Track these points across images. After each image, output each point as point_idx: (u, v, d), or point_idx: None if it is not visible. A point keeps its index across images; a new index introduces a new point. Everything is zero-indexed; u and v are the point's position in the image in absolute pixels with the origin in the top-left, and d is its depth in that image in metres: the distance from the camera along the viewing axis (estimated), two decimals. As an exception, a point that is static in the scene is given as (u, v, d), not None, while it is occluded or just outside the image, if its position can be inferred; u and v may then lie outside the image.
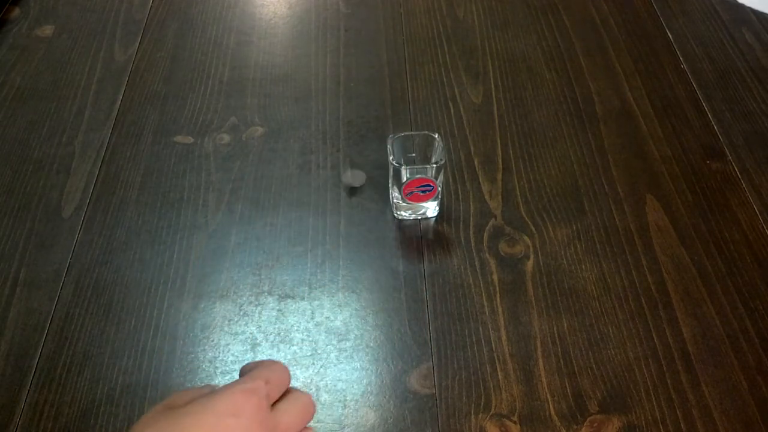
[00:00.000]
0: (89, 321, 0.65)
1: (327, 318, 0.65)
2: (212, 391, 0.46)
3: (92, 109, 0.84)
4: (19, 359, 0.62)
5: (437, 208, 0.73)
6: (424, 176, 0.68)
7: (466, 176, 0.77)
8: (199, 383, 0.60)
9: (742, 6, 1.00)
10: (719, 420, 0.59)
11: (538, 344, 0.63)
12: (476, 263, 0.69)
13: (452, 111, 0.84)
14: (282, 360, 0.62)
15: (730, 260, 0.70)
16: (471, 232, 0.72)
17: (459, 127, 0.82)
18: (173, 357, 0.62)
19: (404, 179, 0.68)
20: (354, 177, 0.75)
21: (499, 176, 0.77)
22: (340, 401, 0.60)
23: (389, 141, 0.69)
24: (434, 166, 0.68)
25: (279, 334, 0.64)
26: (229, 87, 0.87)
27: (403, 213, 0.73)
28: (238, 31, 0.95)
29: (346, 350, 0.63)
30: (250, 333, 0.64)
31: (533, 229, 0.72)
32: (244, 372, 0.47)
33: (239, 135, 0.82)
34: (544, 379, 0.61)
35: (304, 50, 0.93)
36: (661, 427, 0.58)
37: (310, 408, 0.48)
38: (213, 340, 0.64)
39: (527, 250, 0.70)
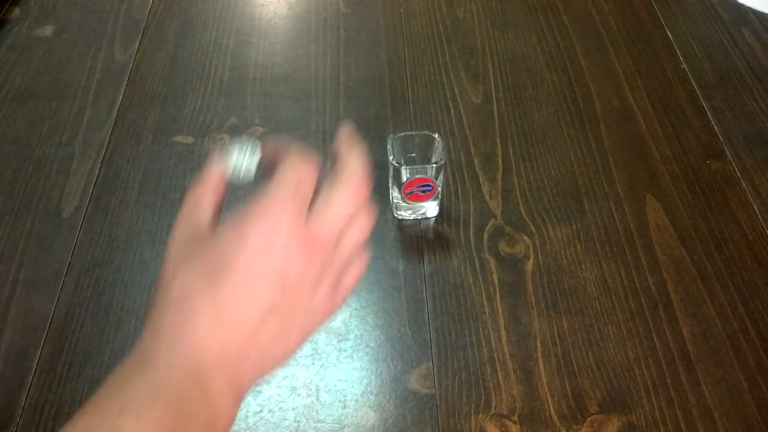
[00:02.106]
0: (89, 321, 0.65)
1: (327, 318, 0.65)
2: (243, 216, 0.43)
3: (92, 109, 0.84)
4: (19, 359, 0.62)
5: (437, 208, 0.73)
6: (424, 176, 0.68)
7: (466, 176, 0.77)
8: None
9: (742, 6, 1.00)
10: (719, 420, 0.59)
11: (538, 344, 0.63)
12: (476, 263, 0.69)
13: (452, 111, 0.84)
14: (282, 360, 0.62)
15: (730, 260, 0.70)
16: (471, 232, 0.72)
17: (459, 127, 0.82)
18: (173, 357, 0.62)
19: (404, 179, 0.68)
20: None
21: (499, 176, 0.77)
22: (340, 401, 0.60)
23: (389, 141, 0.69)
24: (434, 166, 0.68)
25: (279, 334, 0.64)
26: (229, 87, 0.87)
27: (403, 213, 0.73)
28: (238, 31, 0.95)
29: (346, 350, 0.63)
30: (250, 333, 0.64)
31: (533, 229, 0.72)
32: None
33: (239, 135, 0.82)
34: (544, 379, 0.61)
35: (304, 50, 0.93)
36: (661, 427, 0.58)
37: (357, 196, 0.45)
38: (213, 340, 0.64)
39: (527, 250, 0.71)
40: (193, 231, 0.45)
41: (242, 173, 0.48)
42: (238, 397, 0.42)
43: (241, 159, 0.47)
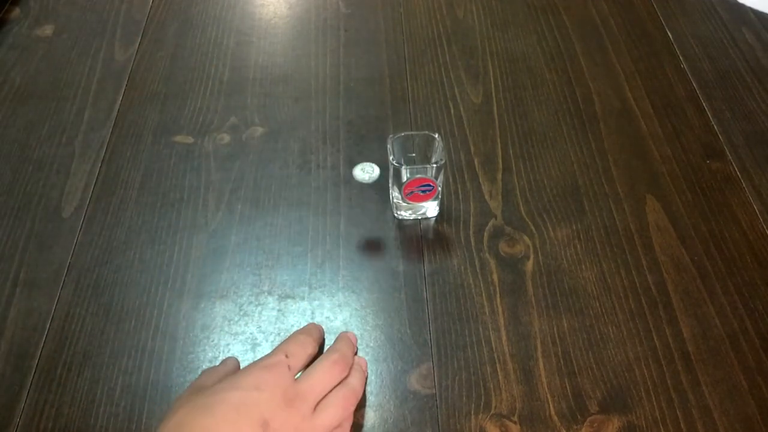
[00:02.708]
0: (89, 321, 0.65)
1: (327, 318, 0.65)
2: (237, 371, 0.52)
3: (92, 109, 0.84)
4: (19, 359, 0.62)
5: (437, 208, 0.73)
6: (424, 176, 0.68)
7: (466, 176, 0.77)
8: (199, 383, 0.60)
9: (742, 6, 1.00)
10: (719, 420, 0.59)
11: (538, 344, 0.63)
12: (476, 263, 0.69)
13: (452, 111, 0.84)
14: (282, 360, 0.62)
15: (730, 260, 0.70)
16: (471, 232, 0.72)
17: (459, 127, 0.82)
18: (173, 357, 0.62)
19: (404, 179, 0.68)
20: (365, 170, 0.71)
21: (499, 176, 0.77)
22: (340, 401, 0.60)
23: (389, 141, 0.69)
24: (434, 166, 0.68)
25: (279, 334, 0.64)
26: (229, 87, 0.87)
27: (403, 213, 0.73)
28: (238, 31, 0.95)
29: (346, 350, 0.63)
30: (250, 333, 0.64)
31: (533, 229, 0.72)
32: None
33: (239, 135, 0.82)
34: (544, 379, 0.61)
35: (304, 50, 0.93)
36: (661, 427, 0.58)
37: (350, 399, 0.54)
38: (213, 340, 0.64)
39: (527, 250, 0.71)
40: (198, 387, 0.53)
41: None
42: None
43: None
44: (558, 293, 0.67)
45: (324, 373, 0.54)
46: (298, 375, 0.54)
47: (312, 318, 0.65)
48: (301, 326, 0.64)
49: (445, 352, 0.63)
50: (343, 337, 0.61)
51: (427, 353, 0.63)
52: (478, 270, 0.69)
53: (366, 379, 0.59)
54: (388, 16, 0.98)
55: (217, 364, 0.61)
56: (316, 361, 0.56)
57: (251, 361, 0.56)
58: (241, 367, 0.57)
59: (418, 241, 0.72)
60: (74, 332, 0.64)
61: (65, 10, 0.99)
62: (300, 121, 0.83)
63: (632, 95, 0.87)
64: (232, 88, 0.87)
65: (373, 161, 0.72)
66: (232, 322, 0.65)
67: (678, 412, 0.59)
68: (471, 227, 0.72)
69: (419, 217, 0.73)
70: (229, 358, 0.61)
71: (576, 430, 0.58)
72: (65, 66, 0.90)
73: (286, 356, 0.54)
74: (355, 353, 0.61)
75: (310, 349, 0.57)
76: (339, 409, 0.53)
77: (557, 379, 0.61)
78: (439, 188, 0.70)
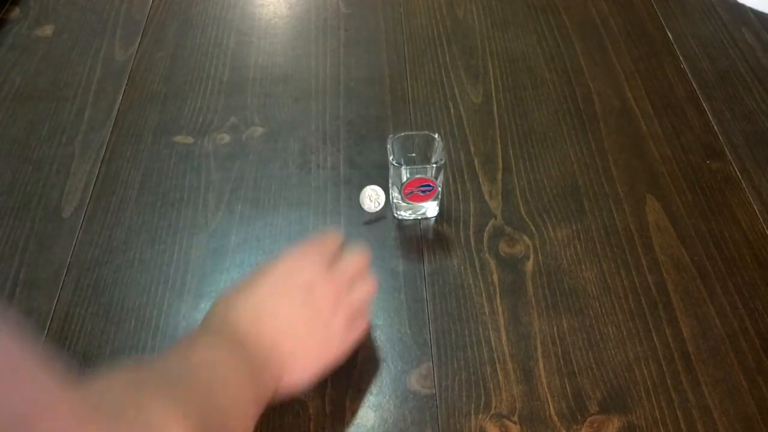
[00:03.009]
0: (89, 321, 0.65)
1: (327, 318, 0.65)
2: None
3: (92, 109, 0.84)
4: (19, 359, 0.62)
5: (437, 208, 0.73)
6: (424, 176, 0.68)
7: (466, 176, 0.77)
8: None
9: (742, 6, 1.00)
10: (719, 420, 0.59)
11: (538, 344, 0.63)
12: (476, 263, 0.69)
13: (452, 111, 0.84)
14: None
15: (730, 260, 0.70)
16: (471, 232, 0.72)
17: (459, 127, 0.82)
18: (173, 357, 0.62)
19: (404, 179, 0.68)
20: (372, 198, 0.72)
21: (499, 176, 0.77)
22: (340, 401, 0.60)
23: (389, 141, 0.69)
24: (434, 166, 0.68)
25: (279, 334, 0.64)
26: (229, 87, 0.87)
27: (403, 213, 0.73)
28: (238, 31, 0.95)
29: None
30: (250, 333, 0.64)
31: (533, 229, 0.72)
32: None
33: (239, 135, 0.82)
34: (544, 379, 0.61)
35: (304, 50, 0.93)
36: (661, 427, 0.58)
37: (364, 256, 0.59)
38: (213, 340, 0.64)
39: (527, 250, 0.70)
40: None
41: None
42: (269, 387, 0.50)
43: None
44: (558, 293, 0.67)
45: (356, 257, 0.58)
46: None
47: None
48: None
49: (445, 352, 0.63)
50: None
51: (427, 353, 0.63)
52: (478, 270, 0.69)
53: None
54: (388, 16, 0.98)
55: None
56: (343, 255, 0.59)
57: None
58: None
59: (418, 241, 0.72)
60: (74, 332, 0.64)
61: (65, 10, 0.99)
62: (300, 121, 0.83)
63: (632, 95, 0.87)
64: (232, 88, 0.87)
65: (373, 161, 0.73)
66: (232, 322, 0.65)
67: (678, 412, 0.59)
68: (471, 227, 0.72)
69: (419, 217, 0.73)
70: None
71: (576, 430, 0.58)
72: (65, 66, 0.90)
73: (326, 244, 0.58)
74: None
75: (339, 243, 0.61)
76: (368, 292, 0.58)
77: (557, 379, 0.61)
78: (439, 188, 0.70)
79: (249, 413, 0.47)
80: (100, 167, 0.78)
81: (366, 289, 0.58)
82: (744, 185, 0.77)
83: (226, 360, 0.48)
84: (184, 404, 0.41)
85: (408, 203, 0.71)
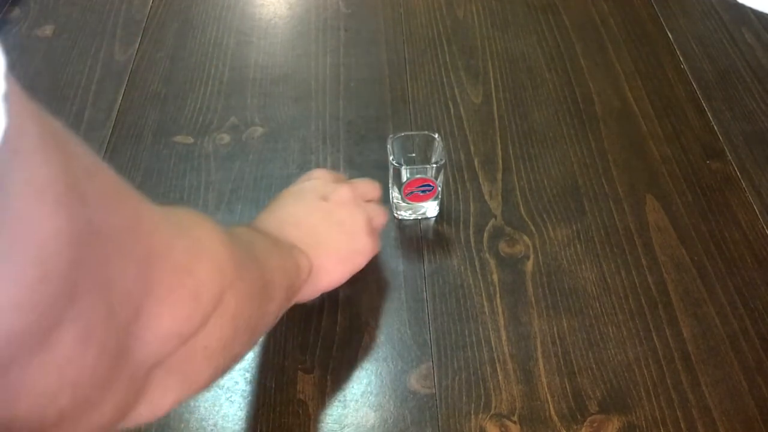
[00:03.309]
0: (89, 321, 0.65)
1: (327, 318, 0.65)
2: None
3: (92, 109, 0.84)
4: (19, 359, 0.62)
5: (437, 208, 0.73)
6: (424, 176, 0.68)
7: (466, 176, 0.77)
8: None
9: (742, 6, 1.00)
10: (719, 420, 0.59)
11: (538, 344, 0.63)
12: (476, 263, 0.69)
13: (452, 111, 0.84)
14: (282, 360, 0.62)
15: (730, 260, 0.70)
16: (471, 232, 0.72)
17: (459, 127, 0.82)
18: (173, 357, 0.62)
19: (404, 179, 0.68)
20: None
21: (499, 176, 0.77)
22: (340, 401, 0.60)
23: (389, 141, 0.69)
24: (434, 166, 0.68)
25: (279, 334, 0.64)
26: (229, 87, 0.87)
27: (403, 213, 0.73)
28: (238, 31, 0.95)
29: (346, 350, 0.63)
30: (250, 333, 0.64)
31: (533, 229, 0.72)
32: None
33: (239, 135, 0.82)
34: (544, 379, 0.61)
35: (304, 50, 0.93)
36: (661, 427, 0.58)
37: (376, 186, 0.67)
38: (213, 340, 0.64)
39: (527, 250, 0.70)
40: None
41: None
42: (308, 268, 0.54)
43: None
44: (558, 293, 0.67)
45: (367, 181, 0.65)
46: None
47: (311, 320, 0.65)
48: (301, 328, 0.65)
49: (445, 352, 0.63)
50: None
51: (427, 353, 0.63)
52: (478, 270, 0.69)
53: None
54: (388, 16, 0.98)
55: None
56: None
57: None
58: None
59: (418, 241, 0.71)
60: (74, 332, 0.64)
61: (65, 10, 0.98)
62: (300, 121, 0.83)
63: (632, 95, 0.87)
64: (232, 88, 0.87)
65: (373, 161, 0.72)
66: (232, 322, 0.65)
67: (678, 412, 0.59)
68: (471, 227, 0.72)
69: (419, 217, 0.73)
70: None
71: (576, 430, 0.58)
72: (65, 66, 0.90)
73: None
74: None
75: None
76: (381, 213, 0.64)
77: (557, 379, 0.61)
78: (439, 188, 0.70)
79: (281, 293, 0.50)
80: (100, 167, 0.78)
81: (379, 210, 0.63)
82: (744, 185, 0.77)
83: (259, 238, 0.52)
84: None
85: (408, 203, 0.71)
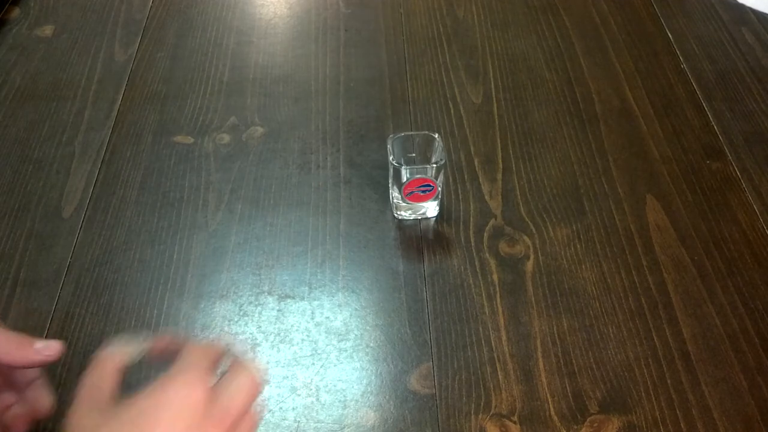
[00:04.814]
0: (89, 321, 0.65)
1: (327, 318, 0.65)
2: (157, 384, 0.44)
3: (92, 109, 0.84)
4: (19, 359, 0.62)
5: (437, 208, 0.73)
6: (424, 176, 0.68)
7: (466, 176, 0.77)
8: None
9: (742, 6, 1.00)
10: (719, 420, 0.59)
11: (538, 344, 0.63)
12: (476, 263, 0.69)
13: (452, 111, 0.84)
14: (282, 360, 0.62)
15: (730, 260, 0.70)
16: (471, 232, 0.72)
17: (459, 127, 0.82)
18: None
19: (404, 179, 0.68)
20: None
21: (499, 176, 0.77)
22: (340, 401, 0.60)
23: (389, 141, 0.69)
24: (434, 166, 0.68)
25: (279, 334, 0.64)
26: (229, 87, 0.87)
27: (403, 213, 0.73)
28: (238, 31, 0.95)
29: (346, 350, 0.63)
30: (250, 333, 0.64)
31: (533, 229, 0.72)
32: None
33: (239, 135, 0.82)
34: (544, 379, 0.61)
35: (304, 50, 0.93)
36: (661, 427, 0.58)
37: (254, 386, 0.46)
38: (213, 341, 0.64)
39: (527, 250, 0.70)
40: (98, 400, 0.45)
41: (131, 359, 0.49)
42: None
43: (129, 348, 0.49)
44: (558, 293, 0.67)
45: (244, 388, 0.46)
46: None
47: (312, 318, 0.65)
48: (301, 326, 0.65)
49: (445, 352, 0.63)
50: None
51: (427, 353, 0.63)
52: (478, 270, 0.69)
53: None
54: (388, 16, 0.98)
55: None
56: (236, 371, 0.47)
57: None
58: None
59: (418, 241, 0.72)
60: (74, 332, 0.64)
61: (65, 10, 0.99)
62: (300, 121, 0.83)
63: (632, 95, 0.87)
64: (232, 88, 0.87)
65: (373, 161, 0.72)
66: (231, 322, 0.65)
67: (678, 412, 0.59)
68: (471, 227, 0.72)
69: (419, 217, 0.73)
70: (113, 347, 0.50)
71: (576, 430, 0.58)
72: (65, 66, 0.90)
73: (206, 357, 0.47)
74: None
75: (214, 354, 0.48)
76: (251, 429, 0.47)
77: (557, 379, 0.61)
78: (439, 188, 0.70)
79: None
80: (100, 167, 0.78)
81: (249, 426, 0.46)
82: (744, 185, 0.77)
83: None
84: None
85: (408, 203, 0.71)
